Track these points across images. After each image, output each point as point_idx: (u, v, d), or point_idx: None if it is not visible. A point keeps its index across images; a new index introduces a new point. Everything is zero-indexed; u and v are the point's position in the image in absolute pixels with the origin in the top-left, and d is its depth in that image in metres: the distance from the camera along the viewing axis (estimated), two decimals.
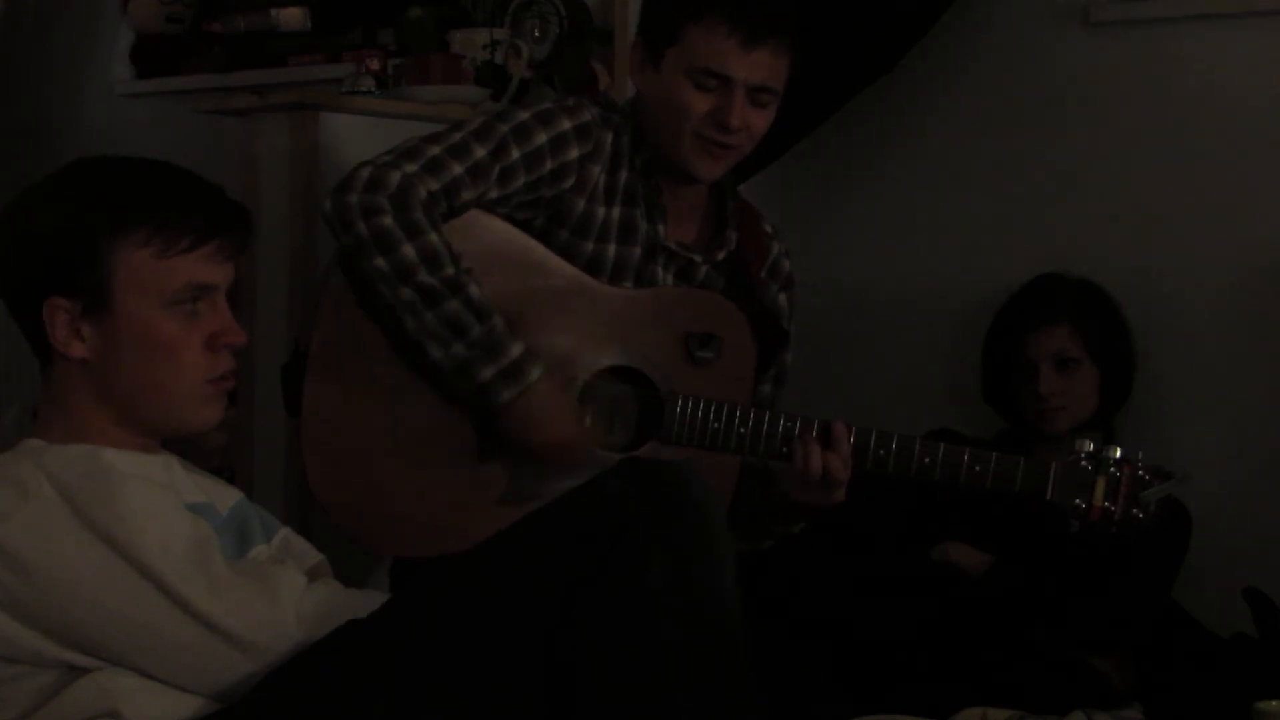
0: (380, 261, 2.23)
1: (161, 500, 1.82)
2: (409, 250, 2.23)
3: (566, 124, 2.40)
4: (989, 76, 3.37)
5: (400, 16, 3.45)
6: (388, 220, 2.23)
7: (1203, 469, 2.93)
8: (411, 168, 2.28)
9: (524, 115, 2.40)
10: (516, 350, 2.26)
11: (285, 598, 1.81)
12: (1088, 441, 2.44)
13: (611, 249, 2.45)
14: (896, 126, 3.46)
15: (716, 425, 2.40)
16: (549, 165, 2.38)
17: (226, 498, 1.98)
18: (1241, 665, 2.61)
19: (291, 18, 4.04)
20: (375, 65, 3.23)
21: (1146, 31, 3.20)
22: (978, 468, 2.41)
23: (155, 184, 1.87)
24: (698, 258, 2.52)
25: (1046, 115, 3.31)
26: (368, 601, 1.85)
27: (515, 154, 2.35)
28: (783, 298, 2.67)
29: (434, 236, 2.25)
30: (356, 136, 2.87)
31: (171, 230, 1.82)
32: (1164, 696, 2.61)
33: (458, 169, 2.31)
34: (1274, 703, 2.07)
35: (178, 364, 1.84)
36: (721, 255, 2.55)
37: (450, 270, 2.24)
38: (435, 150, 2.31)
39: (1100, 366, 3.00)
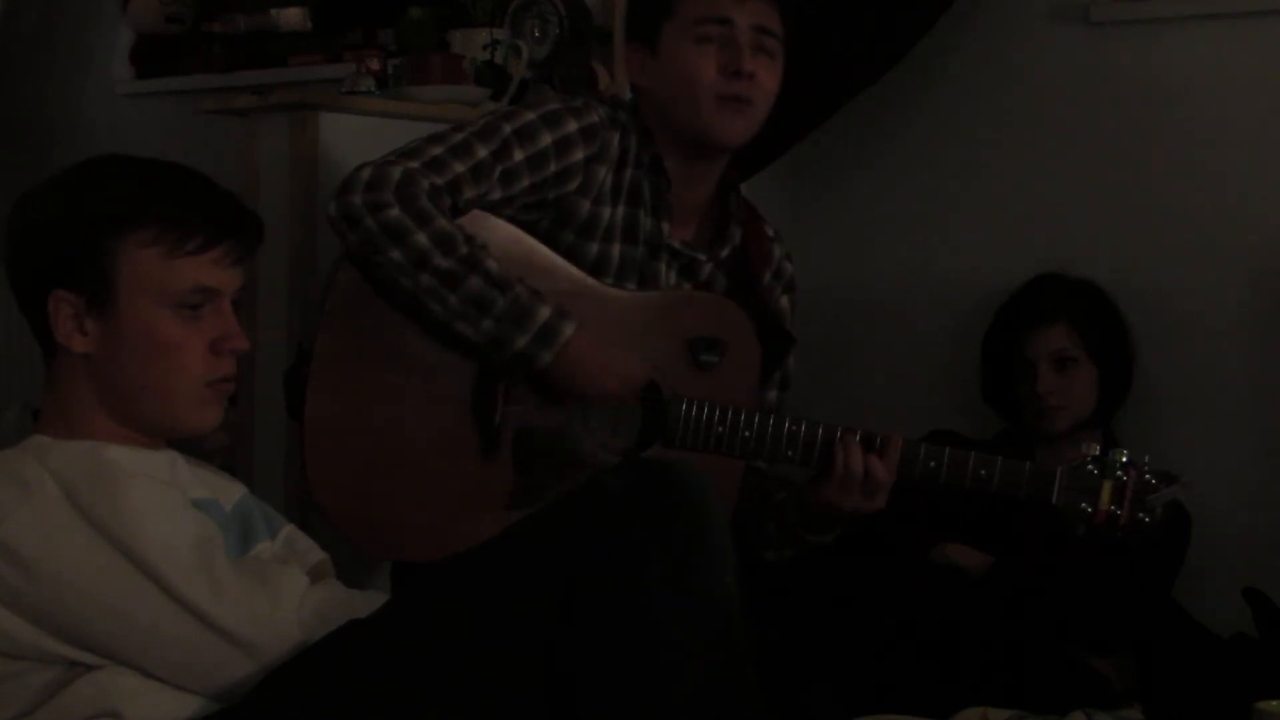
0: (395, 253, 2.23)
1: (165, 498, 1.82)
2: (421, 238, 2.23)
3: (573, 125, 2.40)
4: (989, 76, 3.37)
5: (400, 16, 3.45)
6: (395, 212, 2.23)
7: (1202, 469, 2.93)
8: (413, 164, 2.28)
9: (530, 116, 2.40)
10: (545, 313, 2.26)
11: (287, 598, 1.81)
12: (1094, 445, 2.44)
13: (616, 249, 2.45)
14: (896, 126, 3.46)
15: (721, 429, 2.39)
16: (553, 168, 2.38)
17: (231, 493, 1.98)
18: (1241, 665, 2.61)
19: (291, 18, 4.05)
20: (375, 65, 3.22)
21: (1146, 31, 3.21)
22: (983, 472, 2.40)
23: (166, 184, 1.87)
24: (701, 256, 2.52)
25: (1046, 115, 3.31)
26: (368, 602, 1.85)
27: (519, 155, 2.35)
28: (785, 300, 2.68)
29: (443, 221, 2.25)
30: (356, 136, 2.87)
31: (179, 231, 1.82)
32: (1164, 696, 2.61)
33: (459, 168, 2.31)
34: (1274, 703, 2.06)
35: (177, 365, 1.84)
36: (725, 251, 2.55)
37: (464, 249, 2.25)
38: (437, 150, 2.31)
39: (1099, 366, 3.00)
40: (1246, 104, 3.12)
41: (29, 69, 4.66)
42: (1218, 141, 3.14)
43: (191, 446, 1.99)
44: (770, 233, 2.66)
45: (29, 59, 4.66)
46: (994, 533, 2.83)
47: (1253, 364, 3.12)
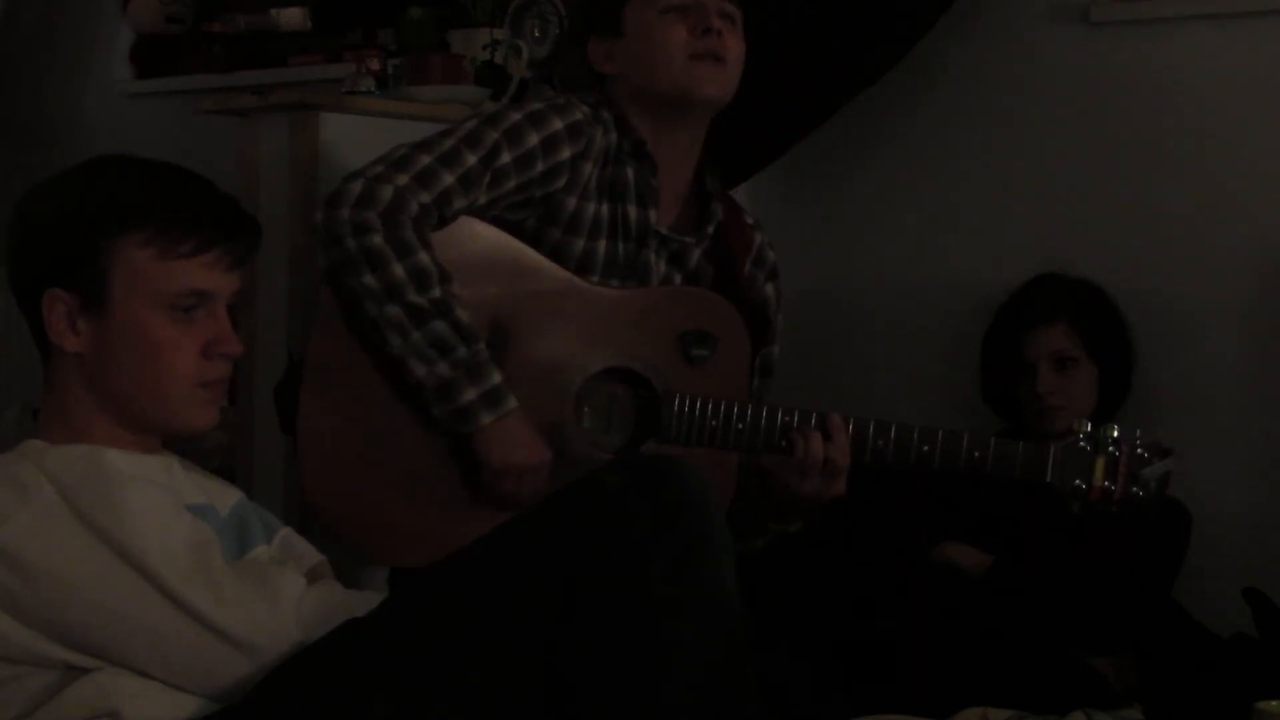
0: (369, 279, 2.23)
1: (162, 501, 1.82)
2: (398, 270, 2.23)
3: (558, 124, 2.41)
4: (989, 76, 3.37)
5: (400, 16, 3.45)
6: (378, 239, 2.23)
7: (1202, 469, 2.93)
8: (403, 180, 2.28)
9: (515, 117, 2.40)
10: (498, 377, 2.27)
11: (285, 599, 1.81)
12: (1085, 421, 2.44)
13: (602, 245, 2.46)
14: (896, 126, 3.46)
15: (714, 423, 2.39)
16: (540, 167, 2.39)
17: (227, 498, 1.98)
18: (1241, 665, 2.61)
19: (291, 18, 4.05)
20: (375, 65, 3.23)
21: (1146, 31, 3.21)
22: (977, 454, 2.40)
23: (163, 186, 1.87)
24: (689, 239, 2.53)
25: (1046, 115, 3.31)
26: (367, 602, 1.85)
27: (507, 157, 2.36)
28: (769, 288, 2.67)
29: (424, 256, 2.25)
30: (357, 136, 2.87)
31: (174, 233, 1.82)
32: (1164, 696, 2.61)
33: (449, 179, 2.31)
34: (1274, 703, 2.07)
35: (169, 366, 1.84)
36: (711, 228, 2.55)
37: (438, 292, 2.25)
38: (426, 159, 2.31)
39: (1099, 365, 3.00)
40: (1246, 104, 3.12)
41: (29, 69, 4.66)
42: (1218, 141, 3.14)
43: (190, 446, 1.99)
44: (750, 220, 2.67)
45: (29, 59, 4.66)
46: (994, 532, 2.83)
47: (1252, 364, 3.12)
